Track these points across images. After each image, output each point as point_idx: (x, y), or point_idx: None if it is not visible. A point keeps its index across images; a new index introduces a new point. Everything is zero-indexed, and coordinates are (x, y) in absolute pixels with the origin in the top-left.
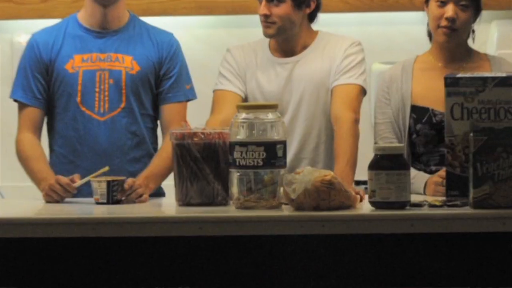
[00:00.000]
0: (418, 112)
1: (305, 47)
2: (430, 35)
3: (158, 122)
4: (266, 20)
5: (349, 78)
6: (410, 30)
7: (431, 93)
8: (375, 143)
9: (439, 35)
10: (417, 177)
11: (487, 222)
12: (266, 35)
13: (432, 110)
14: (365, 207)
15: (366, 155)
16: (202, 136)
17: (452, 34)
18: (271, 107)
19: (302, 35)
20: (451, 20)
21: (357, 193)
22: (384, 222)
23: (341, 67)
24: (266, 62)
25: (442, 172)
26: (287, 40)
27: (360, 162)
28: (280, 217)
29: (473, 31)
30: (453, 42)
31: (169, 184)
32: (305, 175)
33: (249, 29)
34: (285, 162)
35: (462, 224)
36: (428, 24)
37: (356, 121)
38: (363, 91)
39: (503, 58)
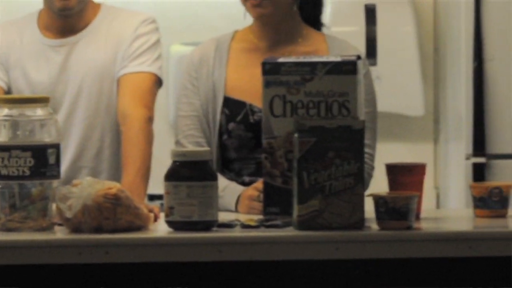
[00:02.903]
0: (232, 106)
1: (86, 24)
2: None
3: None
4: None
5: (139, 66)
6: (218, 2)
7: (251, 83)
8: (177, 141)
9: (249, 10)
10: (227, 189)
11: (316, 247)
12: (65, 9)
13: (251, 105)
14: (160, 229)
15: (163, 162)
16: None
17: (263, 4)
18: (41, 101)
19: (86, 8)
20: None
21: (151, 210)
22: (184, 248)
23: (130, 52)
24: (35, 44)
25: (259, 183)
26: (70, 16)
27: (154, 171)
28: (51, 242)
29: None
30: (269, 16)
31: None
32: (84, 188)
33: None
34: (59, 172)
35: (283, 250)
36: None
37: (150, 120)
38: (158, 82)
39: (346, 41)
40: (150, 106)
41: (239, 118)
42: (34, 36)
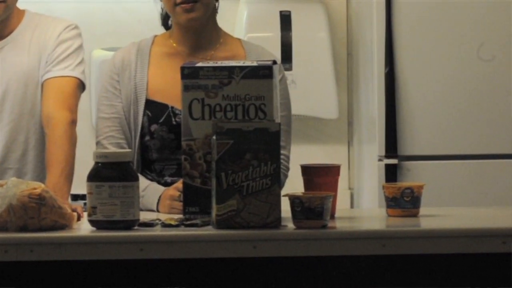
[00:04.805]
0: (154, 109)
1: (11, 31)
2: (165, 20)
3: None
4: None
5: (63, 70)
6: (138, 8)
7: (173, 87)
8: (97, 142)
9: (179, 15)
10: (148, 189)
11: (233, 244)
12: None
13: (172, 108)
14: (83, 227)
15: (85, 163)
16: None
17: (195, 8)
18: None
19: (12, 15)
20: None
21: (74, 210)
22: (107, 246)
23: (53, 57)
24: None
25: (179, 184)
26: None
27: (77, 172)
28: None
29: (217, 8)
30: (198, 20)
31: None
32: (9, 188)
33: None
34: None
35: (202, 248)
36: (162, 8)
37: (73, 122)
38: (81, 86)
39: (262, 47)
40: (73, 109)
41: (161, 120)
42: None
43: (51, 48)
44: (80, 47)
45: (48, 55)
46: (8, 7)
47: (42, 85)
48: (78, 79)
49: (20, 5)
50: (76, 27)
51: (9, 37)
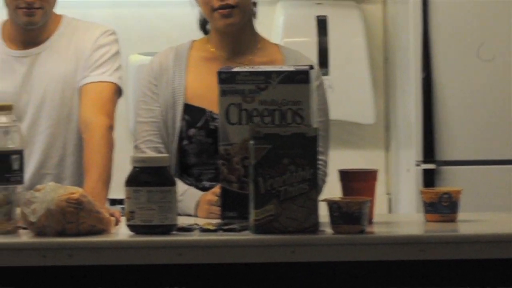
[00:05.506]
0: (192, 113)
1: (48, 36)
2: (203, 25)
3: None
4: (31, 5)
5: (101, 75)
6: (175, 13)
7: (210, 91)
8: (135, 146)
9: (217, 20)
10: (187, 194)
11: (271, 249)
12: (30, 24)
13: (211, 112)
14: (121, 232)
15: (123, 167)
16: None
17: (233, 13)
18: (4, 108)
19: (49, 20)
20: None
21: (112, 214)
22: (145, 251)
23: (90, 62)
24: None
25: (217, 188)
26: (33, 28)
27: (115, 177)
28: (16, 245)
29: (254, 14)
30: (236, 25)
31: None
32: (48, 192)
33: None
34: (22, 177)
35: (241, 253)
36: (199, 13)
37: (110, 128)
38: (118, 91)
39: (300, 52)
40: (111, 114)
41: (199, 124)
42: (0, 48)
43: (88, 53)
44: (117, 53)
45: (85, 60)
46: (45, 13)
47: (79, 90)
48: (116, 84)
49: (56, 10)
50: (113, 33)
51: (46, 43)
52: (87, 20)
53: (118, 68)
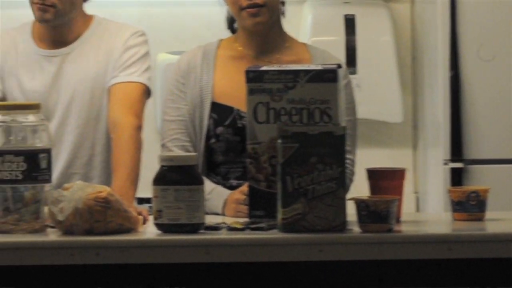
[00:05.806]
0: (219, 111)
1: (78, 35)
2: (231, 24)
3: None
4: (43, 1)
5: (130, 76)
6: (202, 12)
7: (238, 90)
8: (163, 145)
9: (245, 19)
10: (214, 193)
11: (300, 248)
12: (42, 20)
13: (238, 111)
14: (149, 231)
15: (150, 166)
16: None
17: (261, 12)
18: (32, 107)
19: (77, 19)
20: None
21: (140, 213)
22: (173, 250)
23: (120, 62)
24: (29, 54)
25: (245, 187)
26: (60, 27)
27: (143, 176)
28: (44, 244)
29: (283, 12)
30: (264, 24)
31: None
32: (75, 191)
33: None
34: (50, 176)
35: (268, 252)
36: (227, 12)
37: (139, 128)
38: (147, 92)
39: (327, 51)
40: (139, 114)
41: (227, 122)
42: (28, 46)
43: (118, 54)
44: (146, 53)
45: (115, 60)
46: (58, 12)
47: (108, 90)
48: (145, 85)
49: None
50: (143, 34)
51: (76, 42)
52: (117, 21)
53: (147, 69)
